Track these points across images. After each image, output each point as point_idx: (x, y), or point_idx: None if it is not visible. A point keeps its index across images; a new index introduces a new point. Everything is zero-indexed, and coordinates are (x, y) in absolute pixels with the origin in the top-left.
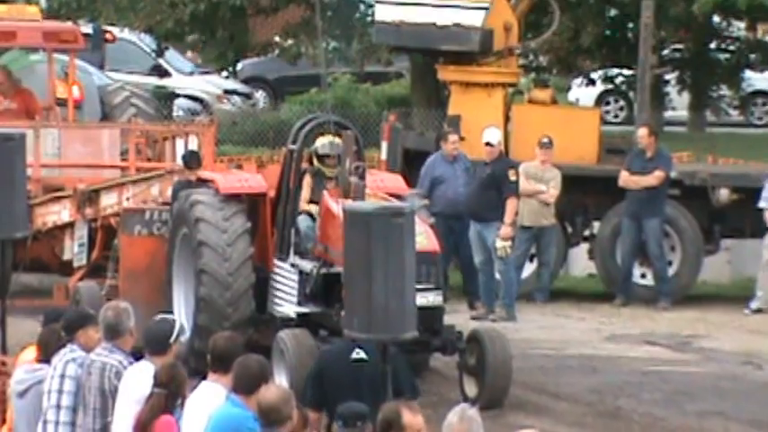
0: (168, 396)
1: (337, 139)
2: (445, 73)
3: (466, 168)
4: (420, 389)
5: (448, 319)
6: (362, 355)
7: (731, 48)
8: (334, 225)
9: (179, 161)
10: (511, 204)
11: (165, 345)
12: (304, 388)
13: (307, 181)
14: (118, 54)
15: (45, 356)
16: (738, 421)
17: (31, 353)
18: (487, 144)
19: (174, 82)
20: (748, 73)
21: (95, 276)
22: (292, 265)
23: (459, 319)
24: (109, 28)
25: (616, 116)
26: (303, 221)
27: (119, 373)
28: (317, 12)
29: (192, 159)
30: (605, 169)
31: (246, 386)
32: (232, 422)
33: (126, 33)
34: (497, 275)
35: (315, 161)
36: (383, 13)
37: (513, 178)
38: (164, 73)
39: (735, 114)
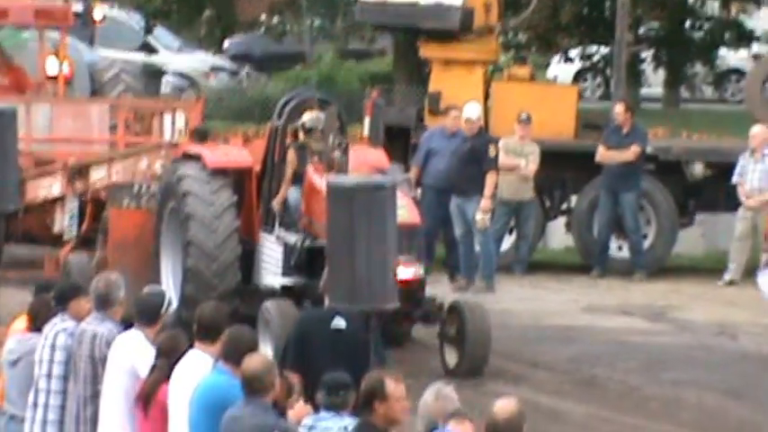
0: (171, 366)
1: (323, 114)
2: (427, 50)
3: (461, 145)
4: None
5: (429, 291)
6: (342, 323)
7: (705, 26)
8: (317, 199)
9: (167, 136)
10: (490, 178)
11: (156, 315)
12: (284, 351)
13: (290, 156)
14: (107, 31)
15: (36, 326)
16: (712, 390)
17: (22, 323)
18: (467, 120)
19: (163, 59)
20: (722, 51)
21: (85, 248)
22: (277, 238)
23: (440, 290)
24: (98, 6)
25: (593, 93)
26: (293, 194)
27: (109, 342)
28: None
29: (199, 135)
30: (583, 144)
31: (236, 356)
32: (219, 390)
33: (115, 11)
34: (477, 248)
35: (301, 135)
36: None
37: (492, 153)
38: (152, 50)
39: (709, 91)
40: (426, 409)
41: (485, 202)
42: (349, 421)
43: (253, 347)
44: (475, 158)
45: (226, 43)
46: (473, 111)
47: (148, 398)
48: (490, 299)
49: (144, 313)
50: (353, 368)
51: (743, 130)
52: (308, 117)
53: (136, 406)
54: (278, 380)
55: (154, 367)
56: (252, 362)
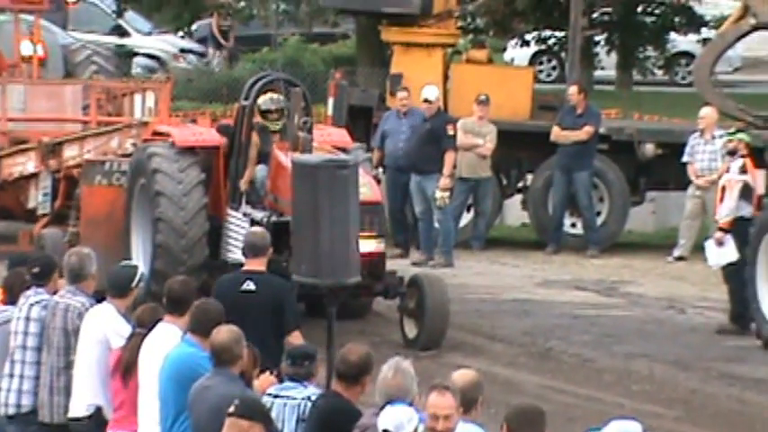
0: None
1: (278, 95)
2: (388, 34)
3: (412, 125)
4: (299, 322)
5: (389, 265)
6: (252, 286)
7: (657, 11)
8: (283, 176)
9: (137, 116)
10: (449, 157)
11: (127, 288)
12: None
13: (254, 138)
14: (80, 15)
15: (10, 299)
16: (662, 362)
17: None
18: (426, 101)
19: (133, 41)
20: (673, 35)
21: (58, 224)
22: (244, 214)
23: (400, 264)
24: None
25: (549, 75)
26: (260, 171)
27: (81, 315)
28: None
29: (223, 130)
30: (538, 125)
31: (204, 328)
32: (188, 361)
33: None
34: (436, 224)
35: (259, 117)
36: None
37: (450, 133)
38: (123, 33)
39: (660, 74)
40: (385, 383)
41: (444, 180)
42: (312, 391)
43: (219, 320)
44: (434, 138)
45: (194, 26)
46: (431, 92)
47: (128, 367)
48: (449, 273)
49: (115, 286)
50: (259, 330)
51: (692, 112)
52: (262, 99)
53: (113, 376)
54: (246, 351)
55: (131, 337)
56: (220, 333)
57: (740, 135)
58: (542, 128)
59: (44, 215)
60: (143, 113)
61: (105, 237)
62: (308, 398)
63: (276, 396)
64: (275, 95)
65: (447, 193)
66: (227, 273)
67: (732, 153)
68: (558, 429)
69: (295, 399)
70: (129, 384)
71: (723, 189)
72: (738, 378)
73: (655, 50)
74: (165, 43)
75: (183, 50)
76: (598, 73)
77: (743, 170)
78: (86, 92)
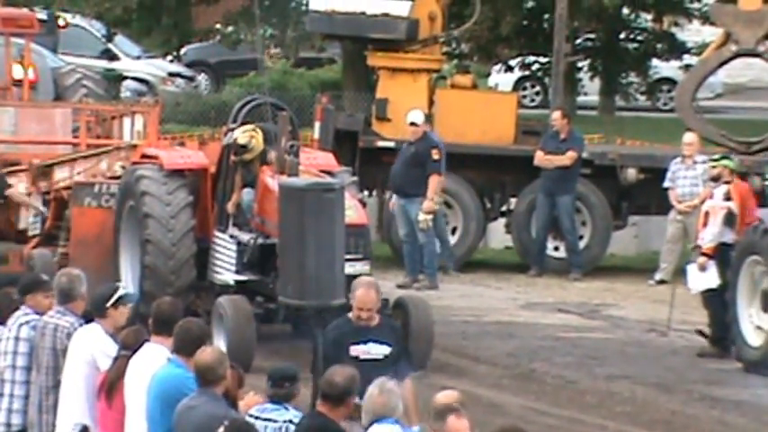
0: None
1: (248, 132)
2: (374, 59)
3: (405, 149)
4: None
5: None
6: None
7: (639, 38)
8: (270, 199)
9: (126, 138)
10: (433, 181)
11: (102, 307)
12: None
13: (239, 171)
14: (70, 39)
15: (0, 319)
16: (643, 384)
17: None
18: (412, 124)
19: (123, 65)
20: (655, 61)
21: (48, 244)
22: (231, 237)
23: (386, 286)
24: (61, 14)
25: (532, 100)
26: (247, 194)
27: (70, 335)
28: (256, 1)
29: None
30: (522, 149)
31: (187, 348)
32: (174, 382)
33: (78, 19)
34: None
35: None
36: (317, 3)
37: (435, 157)
38: (113, 56)
39: (642, 99)
40: (371, 402)
41: (427, 204)
42: (294, 414)
43: (202, 338)
44: (419, 162)
45: (183, 50)
46: (417, 116)
47: (112, 388)
48: (433, 295)
49: (93, 305)
50: None
51: (674, 137)
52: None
53: (99, 397)
54: (230, 371)
55: (116, 359)
56: (204, 354)
57: (724, 161)
58: (526, 152)
59: (34, 236)
60: (132, 136)
61: (95, 258)
62: (290, 421)
63: (257, 418)
64: (245, 132)
65: (430, 216)
66: (214, 294)
67: (716, 179)
68: None
69: (276, 421)
70: (115, 405)
71: (706, 214)
72: (719, 400)
73: (637, 76)
74: (154, 67)
75: (171, 74)
76: (581, 98)
77: (727, 197)
78: (76, 115)
